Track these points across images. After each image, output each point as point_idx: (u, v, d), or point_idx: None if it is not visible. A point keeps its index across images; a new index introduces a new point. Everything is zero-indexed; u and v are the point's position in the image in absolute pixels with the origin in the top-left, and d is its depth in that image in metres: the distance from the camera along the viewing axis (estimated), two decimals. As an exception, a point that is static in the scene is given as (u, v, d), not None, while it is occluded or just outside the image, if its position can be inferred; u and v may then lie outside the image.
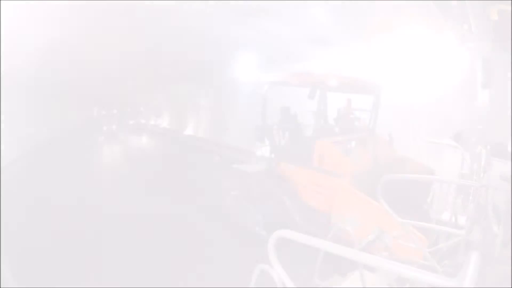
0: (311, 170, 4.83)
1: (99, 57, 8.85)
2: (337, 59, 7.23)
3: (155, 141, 19.77)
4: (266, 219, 5.19)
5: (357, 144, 4.78)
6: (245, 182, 5.67)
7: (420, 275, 0.92)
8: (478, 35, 1.90)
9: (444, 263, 2.52)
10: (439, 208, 3.48)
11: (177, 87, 18.69)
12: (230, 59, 8.83)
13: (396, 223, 3.25)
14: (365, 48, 5.84)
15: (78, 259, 4.80)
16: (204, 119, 17.46)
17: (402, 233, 3.01)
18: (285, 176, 5.28)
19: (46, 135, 15.96)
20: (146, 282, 4.06)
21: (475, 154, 2.15)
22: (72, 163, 12.29)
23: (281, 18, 5.83)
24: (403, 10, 2.00)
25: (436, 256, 2.59)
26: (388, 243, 2.72)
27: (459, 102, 4.44)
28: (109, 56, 9.02)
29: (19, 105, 10.65)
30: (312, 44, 7.01)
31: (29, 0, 4.26)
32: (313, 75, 5.22)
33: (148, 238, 5.37)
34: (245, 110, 10.53)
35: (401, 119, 5.10)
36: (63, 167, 11.55)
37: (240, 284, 2.31)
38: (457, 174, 2.56)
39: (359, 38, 5.82)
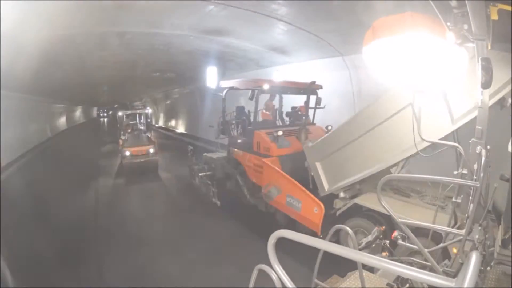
0: (251, 154, 6.32)
1: (96, 70, 10.66)
2: (295, 66, 8.88)
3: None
4: (219, 193, 7.13)
5: (285, 133, 6.05)
6: (211, 166, 7.57)
7: (420, 275, 0.91)
8: (478, 35, 1.89)
9: (444, 263, 2.52)
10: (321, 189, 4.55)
11: (159, 92, 23.20)
12: (200, 69, 10.31)
13: (299, 190, 4.76)
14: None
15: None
16: (182, 117, 21.85)
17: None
18: (237, 160, 6.88)
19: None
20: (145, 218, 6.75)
21: (475, 154, 2.14)
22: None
23: (240, 36, 7.12)
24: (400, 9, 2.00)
25: (436, 256, 2.59)
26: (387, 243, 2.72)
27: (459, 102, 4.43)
28: (104, 70, 10.92)
29: (20, 104, 11.22)
30: (271, 53, 8.40)
31: (29, 0, 4.24)
32: (251, 81, 6.58)
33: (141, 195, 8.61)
34: (211, 109, 13.13)
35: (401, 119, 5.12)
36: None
37: (240, 284, 2.31)
38: (457, 174, 2.55)
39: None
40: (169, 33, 6.84)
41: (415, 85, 2.40)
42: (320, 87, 6.80)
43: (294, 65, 8.86)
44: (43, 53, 6.63)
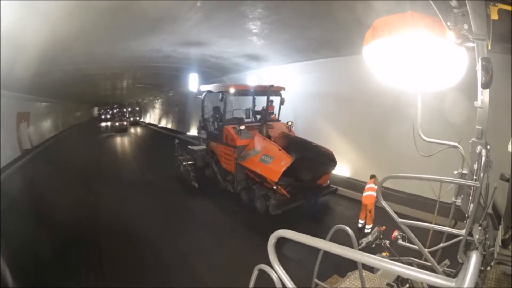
0: (222, 144, 7.73)
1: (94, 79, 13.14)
2: (268, 71, 10.36)
3: (139, 129, 30.73)
4: (197, 177, 8.62)
5: (247, 127, 7.35)
6: (193, 157, 9.06)
7: (420, 275, 0.91)
8: (478, 35, 1.89)
9: (444, 263, 2.52)
10: None
11: (148, 95, 28.86)
12: (183, 75, 12.25)
13: (276, 149, 6.34)
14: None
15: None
16: (170, 116, 27.19)
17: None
18: (213, 150, 8.36)
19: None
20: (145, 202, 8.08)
21: (475, 154, 2.14)
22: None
23: (216, 46, 8.23)
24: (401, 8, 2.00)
25: (436, 256, 2.59)
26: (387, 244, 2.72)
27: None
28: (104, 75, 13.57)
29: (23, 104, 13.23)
30: (245, 59, 9.64)
31: (30, 0, 4.23)
32: (221, 86, 7.91)
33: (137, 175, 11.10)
34: (193, 109, 16.75)
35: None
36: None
37: (240, 284, 2.31)
38: (457, 174, 2.55)
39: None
40: (158, 43, 7.96)
41: (415, 85, 2.39)
42: (283, 89, 8.14)
43: (267, 68, 10.27)
44: (43, 55, 6.75)
